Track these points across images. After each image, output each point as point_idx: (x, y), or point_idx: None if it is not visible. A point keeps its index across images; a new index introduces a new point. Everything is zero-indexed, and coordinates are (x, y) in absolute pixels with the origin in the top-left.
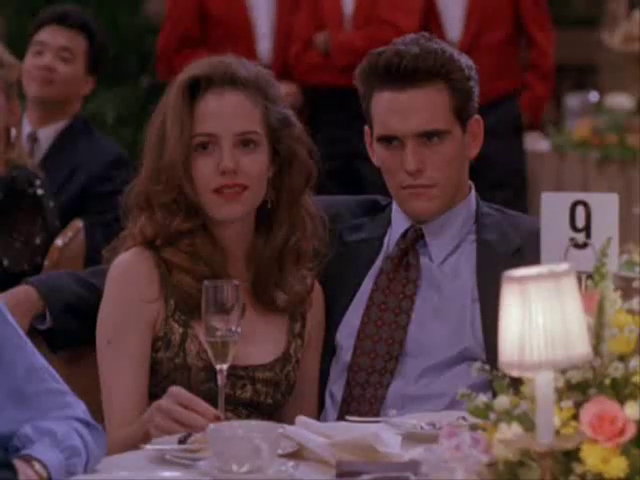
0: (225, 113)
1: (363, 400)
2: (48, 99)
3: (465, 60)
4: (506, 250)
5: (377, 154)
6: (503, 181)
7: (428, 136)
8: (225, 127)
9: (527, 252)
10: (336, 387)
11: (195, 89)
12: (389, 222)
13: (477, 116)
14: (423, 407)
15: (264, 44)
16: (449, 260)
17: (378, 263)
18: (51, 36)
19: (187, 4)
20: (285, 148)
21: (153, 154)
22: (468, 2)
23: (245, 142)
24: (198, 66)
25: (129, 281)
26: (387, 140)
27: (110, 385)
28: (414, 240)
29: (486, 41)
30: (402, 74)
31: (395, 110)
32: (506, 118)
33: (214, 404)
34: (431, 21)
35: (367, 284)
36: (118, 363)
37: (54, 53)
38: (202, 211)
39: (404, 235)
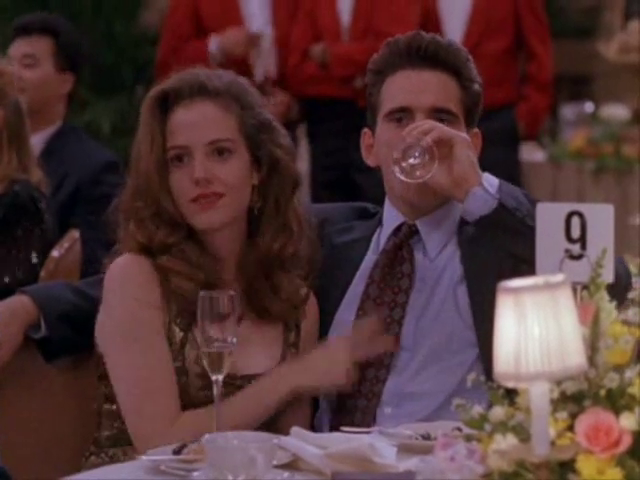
0: (195, 124)
1: (359, 395)
2: (27, 107)
3: (475, 69)
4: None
5: (382, 136)
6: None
7: (439, 116)
8: (195, 137)
9: None
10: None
11: (166, 103)
12: (379, 224)
13: (477, 130)
14: (417, 405)
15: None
16: (443, 253)
17: (367, 259)
18: (15, 48)
19: (183, 17)
20: (266, 154)
21: (133, 170)
22: (471, 11)
23: (219, 150)
24: (168, 81)
25: (136, 283)
26: (397, 116)
27: (145, 383)
28: (408, 235)
29: (486, 50)
30: (423, 53)
31: (411, 85)
32: (503, 128)
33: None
34: (431, 28)
35: (357, 282)
36: (151, 359)
37: (19, 63)
38: (186, 222)
39: (398, 230)
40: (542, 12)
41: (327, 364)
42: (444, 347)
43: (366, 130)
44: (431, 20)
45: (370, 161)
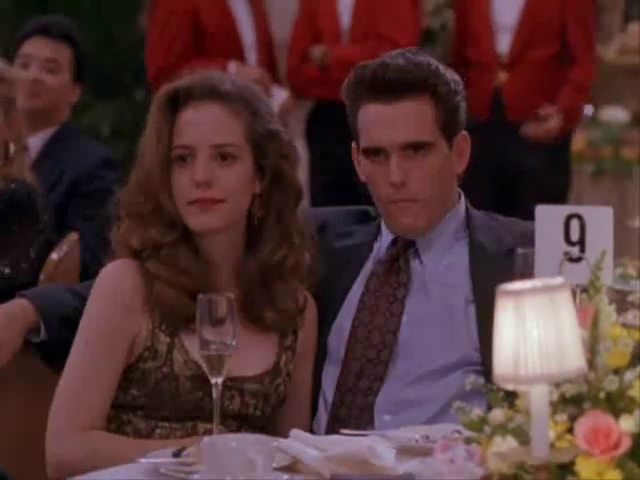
0: (202, 125)
1: (354, 405)
2: (36, 110)
3: (451, 74)
4: (499, 250)
5: (363, 167)
6: (541, 196)
7: (414, 148)
8: (200, 139)
9: None
10: (329, 392)
11: (176, 102)
12: (379, 230)
13: (464, 132)
14: (417, 412)
15: (251, 55)
16: (441, 263)
17: (368, 266)
18: (36, 48)
19: (183, 20)
20: (271, 164)
21: (137, 166)
22: (521, 12)
23: (223, 155)
24: (180, 80)
25: (115, 291)
26: (373, 153)
27: (83, 383)
28: (405, 247)
29: (532, 57)
30: (387, 85)
31: (381, 122)
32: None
33: (202, 413)
34: (481, 30)
35: (357, 288)
36: (97, 365)
37: (40, 65)
38: (182, 223)
39: (395, 242)
40: (591, 22)
41: None
42: (447, 363)
43: (354, 145)
44: (483, 20)
45: (360, 174)
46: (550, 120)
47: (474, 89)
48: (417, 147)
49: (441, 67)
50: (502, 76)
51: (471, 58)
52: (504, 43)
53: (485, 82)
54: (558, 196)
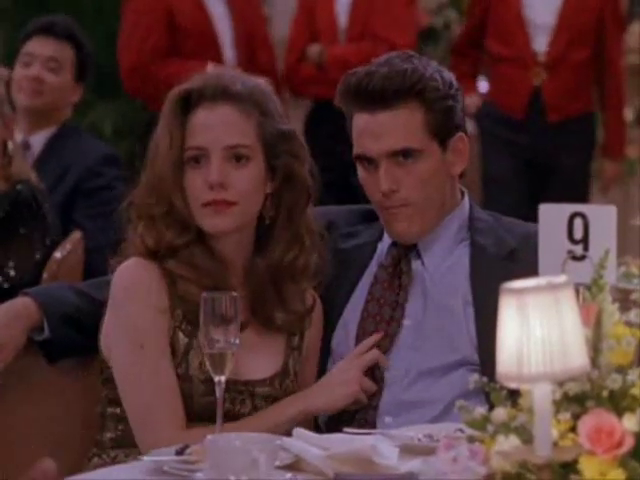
0: (215, 126)
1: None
2: (38, 108)
3: (444, 77)
4: (499, 253)
5: (358, 173)
6: (570, 195)
7: (403, 155)
8: (214, 140)
9: (521, 254)
10: None
11: (188, 104)
12: (382, 230)
13: (461, 133)
14: (418, 413)
15: (229, 53)
16: (443, 264)
17: (372, 267)
18: (39, 47)
19: (156, 17)
20: (282, 164)
21: (148, 167)
22: (559, 12)
23: (236, 156)
24: (192, 80)
25: (145, 288)
26: (364, 161)
27: (153, 387)
28: (407, 248)
29: (569, 61)
30: (371, 95)
31: (368, 131)
32: (580, 136)
33: (214, 417)
34: (514, 27)
35: (361, 289)
36: (158, 365)
37: (42, 64)
38: (195, 225)
39: (395, 242)
40: (624, 22)
41: (338, 377)
42: (448, 363)
43: None
44: (517, 20)
45: None
46: (607, 171)
47: (507, 85)
48: (406, 154)
49: (431, 70)
50: (542, 75)
51: (505, 54)
52: (540, 42)
53: (521, 80)
54: (582, 198)
